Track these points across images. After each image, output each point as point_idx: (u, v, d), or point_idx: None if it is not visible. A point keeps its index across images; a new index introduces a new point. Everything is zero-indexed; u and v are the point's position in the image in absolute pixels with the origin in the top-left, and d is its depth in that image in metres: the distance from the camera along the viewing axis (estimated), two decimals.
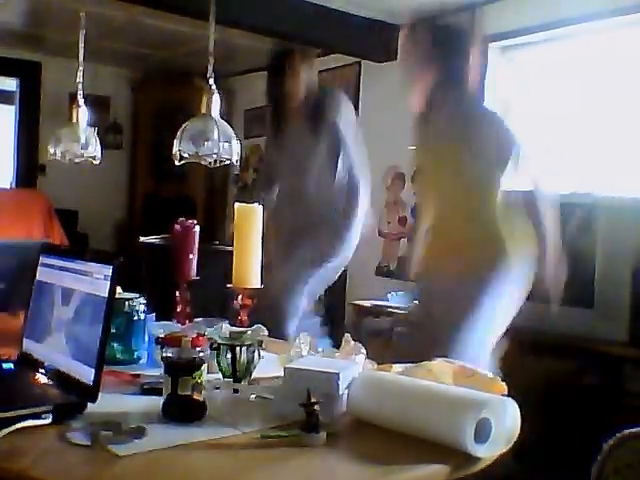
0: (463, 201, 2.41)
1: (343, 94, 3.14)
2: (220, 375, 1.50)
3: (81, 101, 2.69)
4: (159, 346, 1.50)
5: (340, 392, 1.29)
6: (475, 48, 2.49)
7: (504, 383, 1.36)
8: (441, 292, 2.36)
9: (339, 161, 2.98)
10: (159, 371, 1.37)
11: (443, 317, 2.32)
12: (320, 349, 1.61)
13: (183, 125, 2.08)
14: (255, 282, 1.64)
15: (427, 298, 2.50)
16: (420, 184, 2.69)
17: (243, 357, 1.47)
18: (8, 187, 5.60)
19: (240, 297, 1.62)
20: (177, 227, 1.93)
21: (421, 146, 2.59)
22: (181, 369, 1.25)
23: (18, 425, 1.13)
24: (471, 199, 2.40)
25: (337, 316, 4.33)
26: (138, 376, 1.53)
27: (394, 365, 1.45)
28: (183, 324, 1.76)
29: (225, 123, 2.08)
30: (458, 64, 2.43)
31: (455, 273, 2.30)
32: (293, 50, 3.09)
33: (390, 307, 3.67)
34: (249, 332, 1.51)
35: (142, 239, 4.30)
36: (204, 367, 1.27)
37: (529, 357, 2.63)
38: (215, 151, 2.01)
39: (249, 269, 1.64)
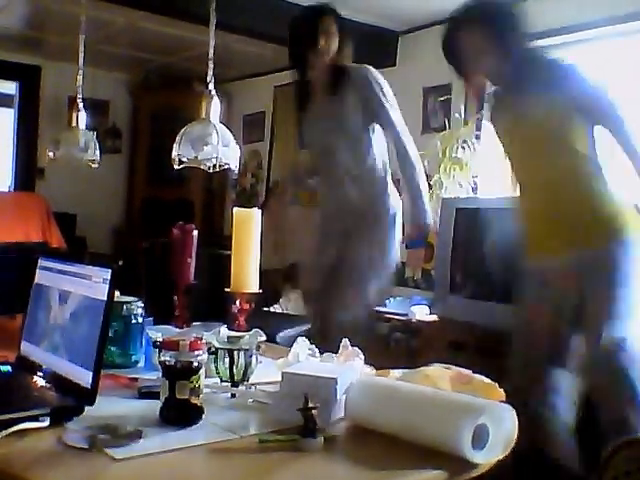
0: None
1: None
2: (218, 379, 1.50)
3: (80, 105, 2.70)
4: (157, 350, 1.50)
5: (338, 397, 1.29)
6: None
7: (502, 389, 1.37)
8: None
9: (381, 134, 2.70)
10: (157, 375, 1.37)
11: None
12: (318, 354, 1.61)
13: (182, 130, 2.09)
14: (253, 286, 1.64)
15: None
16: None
17: (241, 361, 1.47)
18: (7, 190, 5.60)
19: (238, 301, 1.62)
20: (176, 231, 1.93)
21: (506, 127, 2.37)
22: (179, 373, 1.25)
23: (15, 428, 1.13)
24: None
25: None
26: (136, 380, 1.53)
27: (392, 370, 1.45)
28: (181, 328, 1.76)
29: (224, 128, 2.09)
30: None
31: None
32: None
33: (388, 313, 3.66)
34: (247, 336, 1.51)
35: (144, 244, 4.28)
36: (202, 371, 1.27)
37: None
38: (214, 155, 2.02)
39: (247, 273, 1.64)
